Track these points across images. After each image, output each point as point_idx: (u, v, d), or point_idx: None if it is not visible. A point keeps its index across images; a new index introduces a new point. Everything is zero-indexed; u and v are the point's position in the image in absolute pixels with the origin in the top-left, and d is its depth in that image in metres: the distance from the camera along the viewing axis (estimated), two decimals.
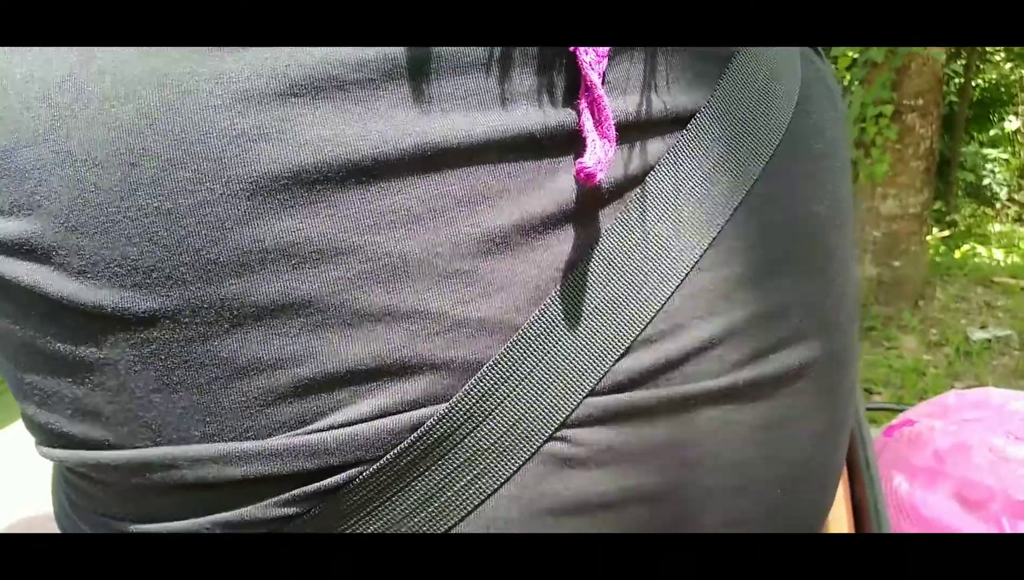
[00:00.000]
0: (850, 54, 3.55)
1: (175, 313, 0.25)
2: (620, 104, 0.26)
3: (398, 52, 0.26)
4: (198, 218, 0.24)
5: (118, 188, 0.24)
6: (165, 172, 0.24)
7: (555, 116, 0.25)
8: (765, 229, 0.30)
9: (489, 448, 0.27)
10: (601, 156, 0.24)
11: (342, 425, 0.25)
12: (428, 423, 0.26)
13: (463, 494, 0.27)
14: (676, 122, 0.27)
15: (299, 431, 0.25)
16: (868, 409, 0.96)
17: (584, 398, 0.27)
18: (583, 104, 0.25)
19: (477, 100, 0.25)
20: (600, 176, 0.24)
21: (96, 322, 0.25)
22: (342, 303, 0.25)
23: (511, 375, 0.27)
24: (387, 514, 0.27)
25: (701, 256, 0.28)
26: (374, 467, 0.26)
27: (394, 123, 0.25)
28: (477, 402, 0.27)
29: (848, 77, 3.60)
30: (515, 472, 0.27)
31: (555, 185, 0.26)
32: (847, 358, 0.34)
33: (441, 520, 0.27)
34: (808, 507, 0.32)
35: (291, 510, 0.26)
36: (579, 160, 0.24)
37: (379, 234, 0.25)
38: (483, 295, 0.26)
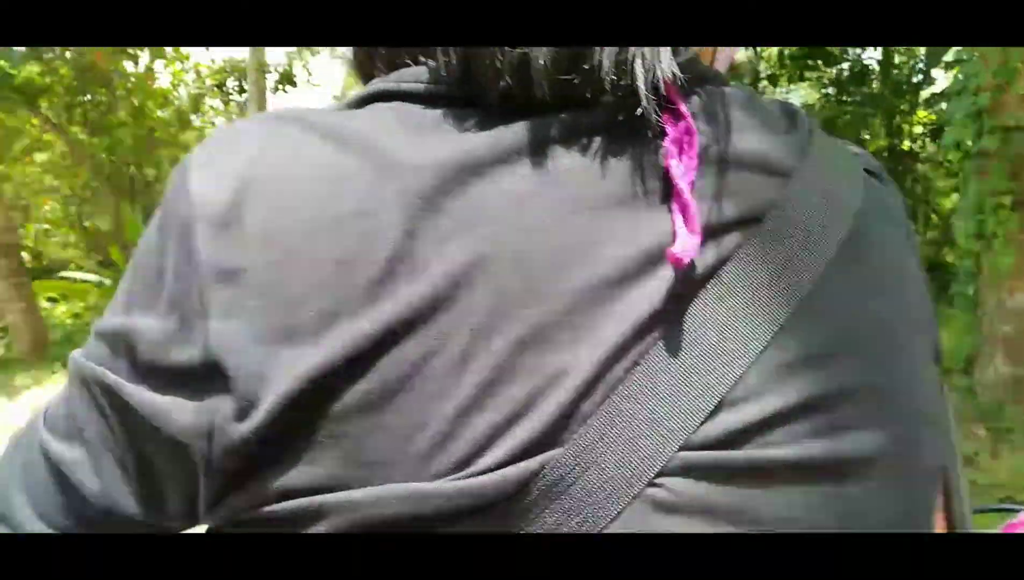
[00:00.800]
0: (964, 145, 3.44)
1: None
2: (703, 206, 0.33)
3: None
4: None
5: None
6: None
7: (653, 214, 0.33)
8: (828, 320, 0.35)
9: (597, 490, 0.31)
10: (688, 246, 0.31)
11: (490, 469, 0.30)
12: (548, 467, 0.31)
13: (576, 531, 0.31)
14: (748, 223, 0.34)
15: (460, 475, 0.30)
16: (988, 510, 0.91)
17: (676, 452, 0.31)
18: (675, 205, 0.33)
19: (604, 202, 0.33)
20: (687, 260, 0.31)
21: None
22: (507, 364, 0.31)
23: (612, 425, 0.32)
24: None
25: (772, 337, 0.33)
26: (508, 506, 0.31)
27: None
28: (586, 448, 0.31)
29: (963, 169, 3.49)
30: (619, 513, 0.31)
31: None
32: (920, 451, 0.37)
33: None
34: None
35: None
36: (671, 248, 0.31)
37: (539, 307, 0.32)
38: (592, 347, 0.32)
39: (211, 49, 8.98)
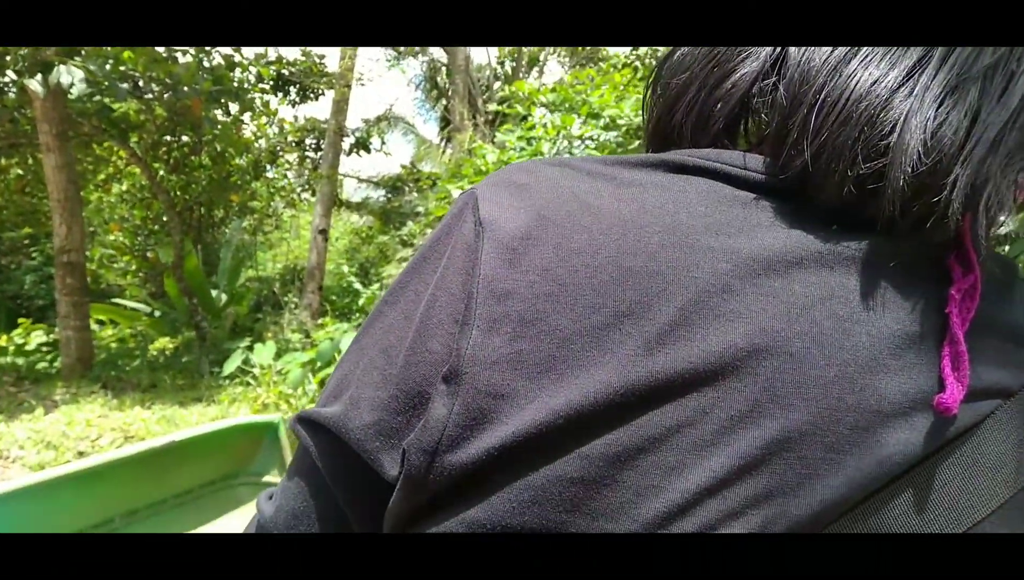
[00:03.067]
0: None
1: None
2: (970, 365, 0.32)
3: None
4: None
5: None
6: None
7: (924, 359, 0.32)
8: None
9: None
10: (957, 397, 0.31)
11: None
12: None
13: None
14: (1003, 393, 0.33)
15: None
16: None
17: None
18: (947, 353, 0.32)
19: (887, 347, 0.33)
20: (954, 411, 0.31)
21: None
22: (756, 460, 0.31)
23: None
24: None
25: (1004, 503, 0.33)
26: None
27: None
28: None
29: None
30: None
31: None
32: None
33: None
34: None
35: None
36: (940, 395, 0.31)
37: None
38: (839, 471, 0.31)
39: (296, 108, 9.41)
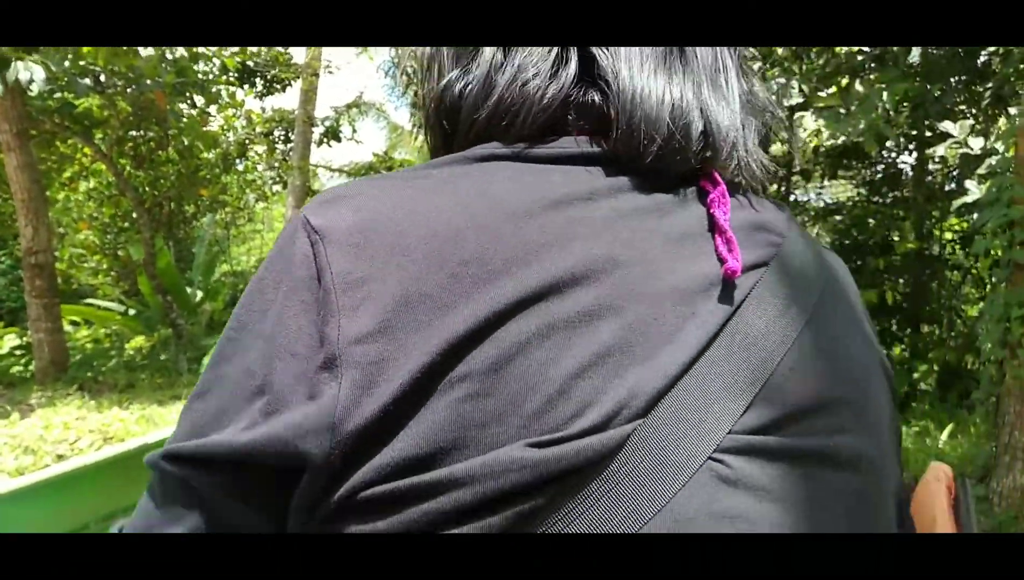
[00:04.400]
0: (993, 254, 3.45)
1: None
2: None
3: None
4: None
5: None
6: None
7: (705, 248, 0.44)
8: (821, 342, 0.45)
9: (671, 458, 0.37)
10: (737, 265, 0.42)
11: (586, 432, 0.36)
12: (633, 435, 0.37)
13: (653, 496, 0.37)
14: (759, 266, 0.45)
15: (561, 435, 0.36)
16: None
17: (727, 434, 0.39)
18: (719, 240, 0.44)
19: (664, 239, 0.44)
20: (739, 273, 0.42)
21: None
22: (607, 346, 0.38)
23: (682, 404, 0.39)
24: (596, 512, 0.36)
25: (785, 353, 0.42)
26: (597, 470, 0.36)
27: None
28: (663, 421, 0.38)
29: (991, 278, 3.48)
30: (688, 481, 0.37)
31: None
32: (889, 469, 0.46)
33: (635, 519, 0.36)
34: None
35: (540, 503, 0.36)
36: (725, 266, 0.42)
37: (638, 305, 0.40)
38: (674, 342, 0.40)
39: (264, 99, 9.32)
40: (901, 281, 5.95)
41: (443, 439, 0.36)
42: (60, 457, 3.63)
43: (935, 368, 5.34)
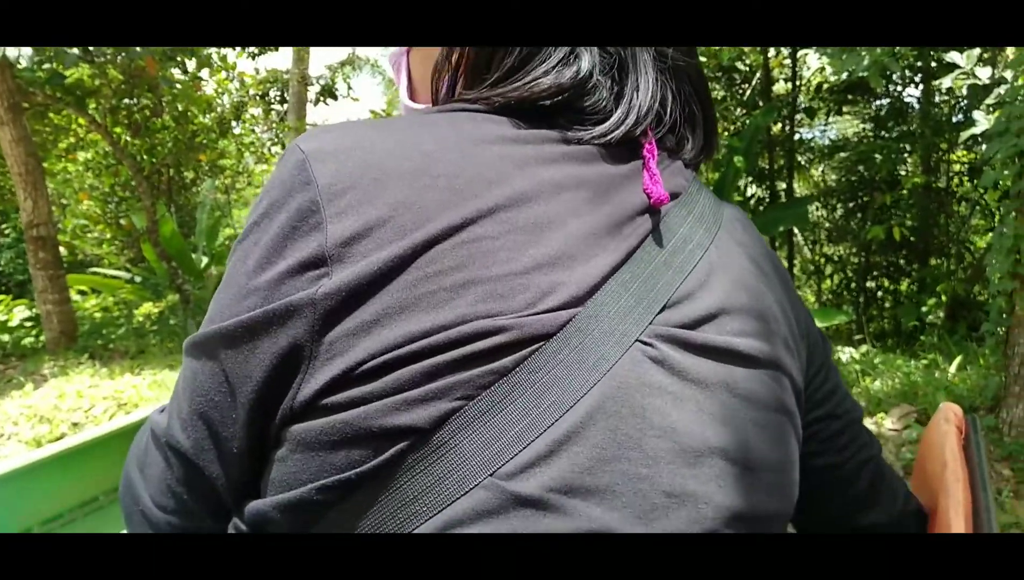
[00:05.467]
0: (1002, 185, 3.39)
1: None
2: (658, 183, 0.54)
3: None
4: None
5: None
6: None
7: (635, 185, 0.53)
8: (730, 256, 0.56)
9: (608, 336, 0.46)
10: (661, 192, 0.52)
11: (548, 310, 0.45)
12: (581, 313, 0.46)
13: (593, 369, 0.45)
14: (678, 193, 0.56)
15: (529, 312, 0.45)
16: None
17: (648, 325, 0.48)
18: (646, 177, 0.53)
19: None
20: (665, 201, 0.52)
21: None
22: (558, 250, 0.47)
23: (617, 295, 0.48)
24: (540, 380, 0.44)
25: (697, 262, 0.53)
26: (556, 341, 0.45)
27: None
28: (602, 305, 0.47)
29: (1000, 209, 3.41)
30: (622, 355, 0.46)
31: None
32: (789, 371, 0.55)
33: (576, 390, 0.45)
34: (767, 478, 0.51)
35: (502, 365, 0.44)
36: (652, 198, 0.52)
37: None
38: (608, 249, 0.49)
39: (256, 60, 9.16)
40: (908, 216, 5.88)
41: (414, 306, 0.43)
42: (75, 425, 3.68)
43: (943, 300, 5.32)
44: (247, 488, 0.49)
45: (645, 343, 0.47)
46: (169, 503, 0.51)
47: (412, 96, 0.66)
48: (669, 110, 0.57)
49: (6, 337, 6.40)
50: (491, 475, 0.42)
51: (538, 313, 0.45)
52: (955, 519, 0.61)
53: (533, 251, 0.46)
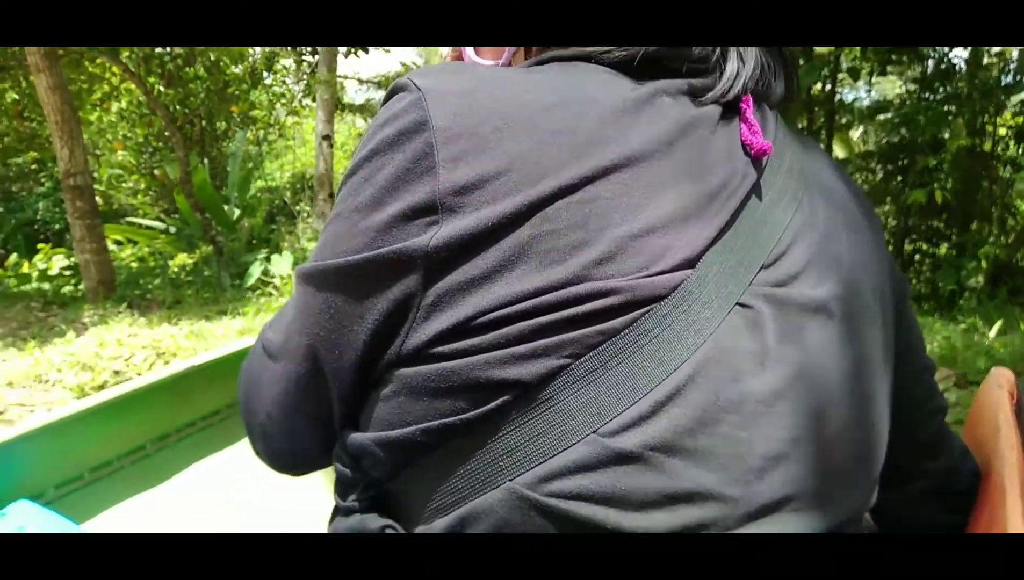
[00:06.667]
0: None
1: None
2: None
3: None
4: None
5: None
6: None
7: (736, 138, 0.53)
8: (822, 205, 0.55)
9: (709, 303, 0.46)
10: (763, 143, 0.51)
11: (661, 272, 0.45)
12: (689, 279, 0.46)
13: (698, 332, 0.46)
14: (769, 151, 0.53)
15: (642, 274, 0.45)
16: None
17: (748, 286, 0.48)
18: (743, 127, 0.53)
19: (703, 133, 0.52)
20: (769, 151, 0.52)
21: None
22: (670, 211, 0.47)
23: (720, 258, 0.48)
24: (648, 343, 0.45)
25: (792, 215, 0.52)
26: (654, 309, 0.45)
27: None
28: (708, 266, 0.47)
29: None
30: (723, 320, 0.47)
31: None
32: (873, 319, 0.55)
33: (681, 353, 0.45)
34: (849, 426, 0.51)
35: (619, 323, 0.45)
36: (754, 148, 0.51)
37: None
38: (713, 214, 0.49)
39: None
40: (950, 179, 5.73)
41: (526, 263, 0.44)
42: (116, 373, 3.77)
43: (984, 265, 5.21)
44: (349, 420, 0.52)
45: (745, 306, 0.47)
46: (284, 421, 0.56)
47: (477, 51, 0.65)
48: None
49: (47, 285, 6.55)
50: (594, 432, 0.43)
51: (650, 275, 0.45)
52: (1010, 486, 0.60)
53: (647, 214, 0.46)
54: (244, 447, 1.22)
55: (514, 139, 0.45)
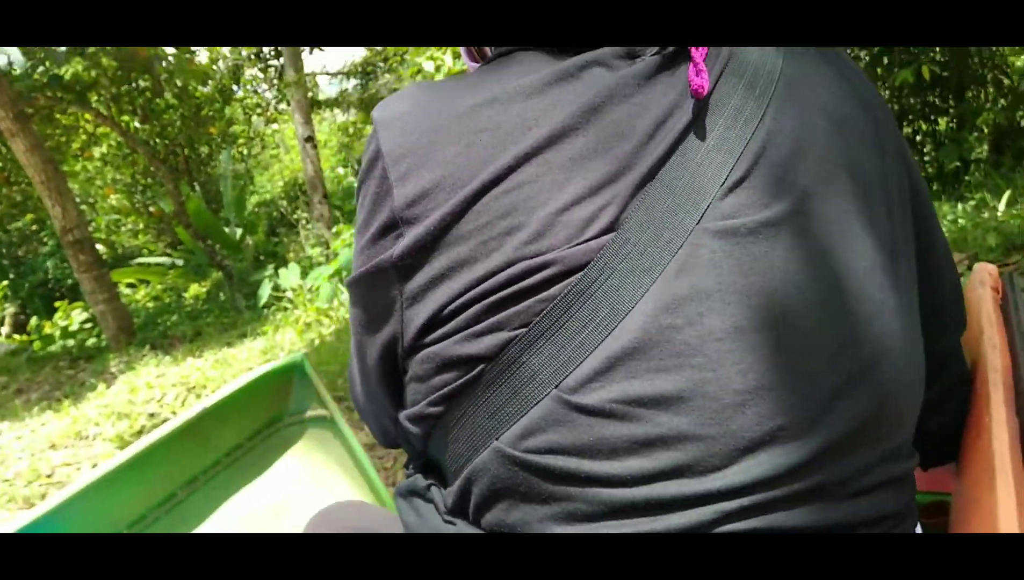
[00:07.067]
0: None
1: None
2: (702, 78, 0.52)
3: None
4: None
5: None
6: None
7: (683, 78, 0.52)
8: (792, 115, 0.52)
9: (648, 249, 0.48)
10: (703, 82, 0.50)
11: (590, 239, 0.49)
12: (614, 238, 0.49)
13: (639, 281, 0.48)
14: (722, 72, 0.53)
15: (571, 243, 0.49)
16: None
17: (695, 227, 0.48)
18: (691, 69, 0.51)
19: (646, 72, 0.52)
20: (705, 90, 0.50)
21: None
22: (595, 175, 0.50)
23: (653, 204, 0.49)
24: (588, 301, 0.48)
25: (751, 135, 0.51)
26: (587, 270, 0.48)
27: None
28: (641, 217, 0.49)
29: None
30: (666, 266, 0.48)
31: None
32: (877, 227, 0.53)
33: (626, 302, 0.48)
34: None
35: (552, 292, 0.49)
36: (692, 88, 0.50)
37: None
38: (646, 153, 0.50)
39: None
40: (936, 52, 5.58)
41: (470, 257, 0.50)
42: (152, 415, 3.84)
43: (986, 132, 5.09)
44: (399, 409, 0.62)
45: (694, 245, 0.48)
46: (366, 409, 0.70)
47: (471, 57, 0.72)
48: None
49: (71, 342, 6.64)
50: (556, 387, 0.48)
51: (580, 243, 0.48)
52: (994, 390, 0.59)
53: (571, 187, 0.49)
54: (272, 474, 1.23)
55: (446, 147, 0.51)
